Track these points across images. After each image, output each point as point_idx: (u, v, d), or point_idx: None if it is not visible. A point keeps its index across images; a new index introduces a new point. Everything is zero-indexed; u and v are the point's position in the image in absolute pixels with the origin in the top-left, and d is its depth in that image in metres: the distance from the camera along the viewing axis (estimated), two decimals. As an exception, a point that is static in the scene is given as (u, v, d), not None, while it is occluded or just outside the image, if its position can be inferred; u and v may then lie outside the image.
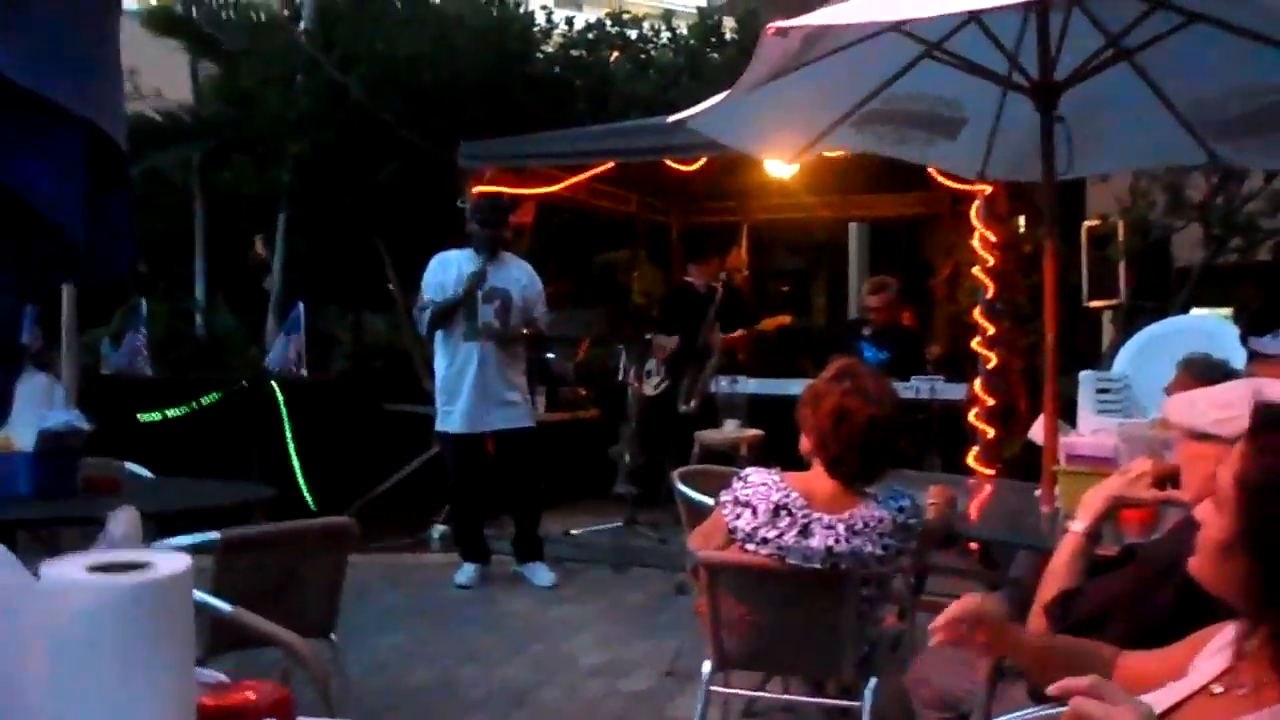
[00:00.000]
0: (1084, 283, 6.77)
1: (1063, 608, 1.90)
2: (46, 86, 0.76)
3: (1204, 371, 3.21)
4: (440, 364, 5.47)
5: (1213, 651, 1.35)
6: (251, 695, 0.91)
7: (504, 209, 5.65)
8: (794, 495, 2.55)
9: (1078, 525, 1.98)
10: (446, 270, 5.39)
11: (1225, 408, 1.88)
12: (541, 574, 5.51)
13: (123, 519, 1.13)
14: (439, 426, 5.51)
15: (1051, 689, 1.16)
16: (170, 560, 0.82)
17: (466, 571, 5.45)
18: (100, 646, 0.76)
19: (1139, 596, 1.75)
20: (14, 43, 0.74)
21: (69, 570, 0.79)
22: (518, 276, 5.45)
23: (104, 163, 0.84)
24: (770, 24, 2.86)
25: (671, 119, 3.71)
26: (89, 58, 0.80)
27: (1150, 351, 4.49)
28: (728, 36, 9.74)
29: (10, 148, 0.77)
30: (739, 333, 6.96)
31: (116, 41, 0.85)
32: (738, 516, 2.59)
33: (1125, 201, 6.57)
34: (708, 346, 6.69)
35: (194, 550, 2.44)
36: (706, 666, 2.79)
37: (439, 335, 5.42)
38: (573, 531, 6.19)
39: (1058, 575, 1.96)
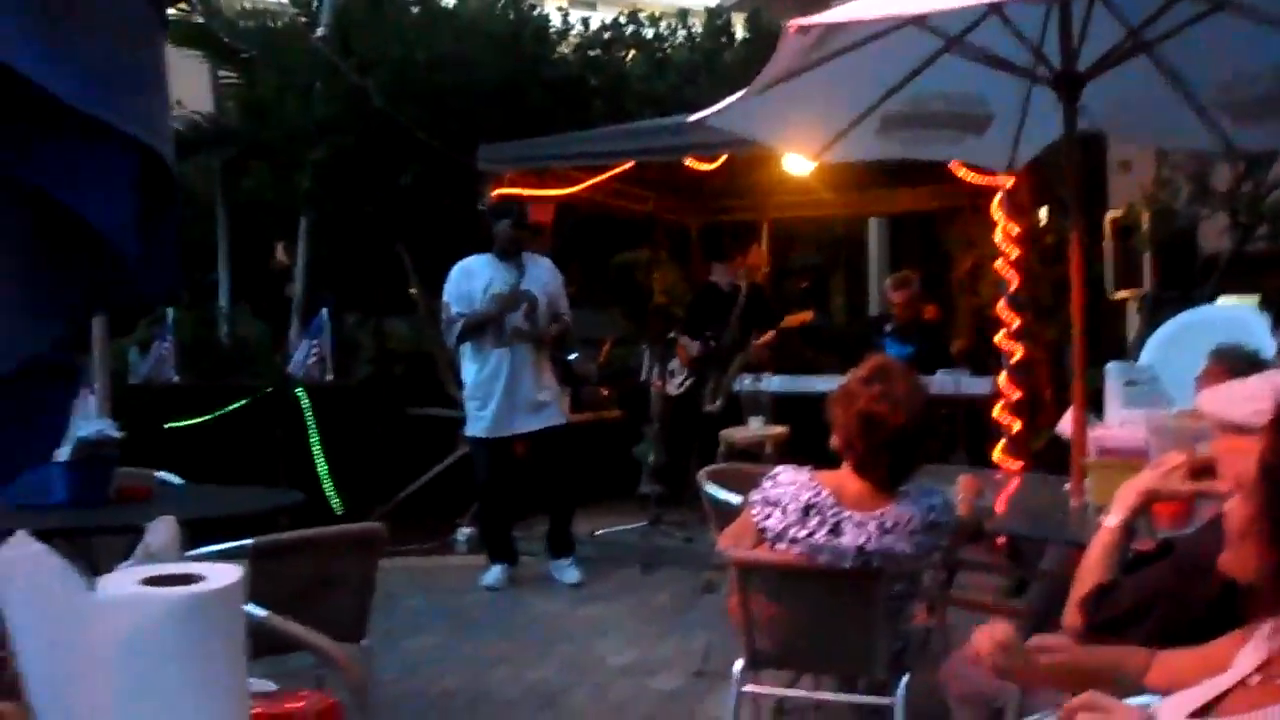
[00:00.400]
0: (1108, 274, 6.72)
1: (1098, 603, 1.89)
2: (102, 109, 0.77)
3: (1235, 361, 3.18)
4: (470, 369, 5.48)
5: (1254, 646, 1.34)
6: (301, 704, 0.92)
7: (522, 207, 5.67)
8: (824, 494, 2.55)
9: (1111, 519, 1.97)
10: (472, 280, 5.40)
11: (1259, 399, 1.86)
12: (570, 572, 5.55)
13: (161, 530, 1.15)
14: (468, 430, 5.54)
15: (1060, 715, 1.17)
16: (222, 572, 0.83)
17: (494, 573, 5.47)
18: (158, 659, 0.77)
19: (1178, 591, 1.74)
20: (68, 62, 0.75)
21: (123, 584, 0.80)
22: (540, 276, 5.47)
23: (153, 183, 0.86)
24: (792, 21, 2.86)
25: (693, 118, 3.71)
26: (139, 78, 0.81)
27: (1178, 342, 4.46)
28: (738, 35, 9.73)
29: (68, 168, 0.78)
30: (769, 334, 6.95)
31: (163, 60, 0.86)
32: (767, 516, 2.58)
33: (1149, 192, 6.52)
34: (734, 345, 6.68)
35: (226, 557, 2.46)
36: (738, 665, 2.78)
37: (469, 343, 5.44)
38: (598, 532, 6.20)
39: (1092, 570, 1.95)
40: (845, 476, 2.59)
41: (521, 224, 5.48)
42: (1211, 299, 6.29)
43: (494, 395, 5.37)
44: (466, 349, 5.46)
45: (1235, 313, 5.08)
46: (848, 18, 2.93)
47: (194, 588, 0.80)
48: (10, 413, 0.90)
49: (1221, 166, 6.26)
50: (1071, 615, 1.95)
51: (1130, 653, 1.59)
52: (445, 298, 5.45)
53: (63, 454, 3.20)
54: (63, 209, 0.77)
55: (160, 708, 0.77)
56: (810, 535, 2.53)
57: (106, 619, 0.77)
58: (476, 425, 5.46)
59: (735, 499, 3.22)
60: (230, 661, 0.81)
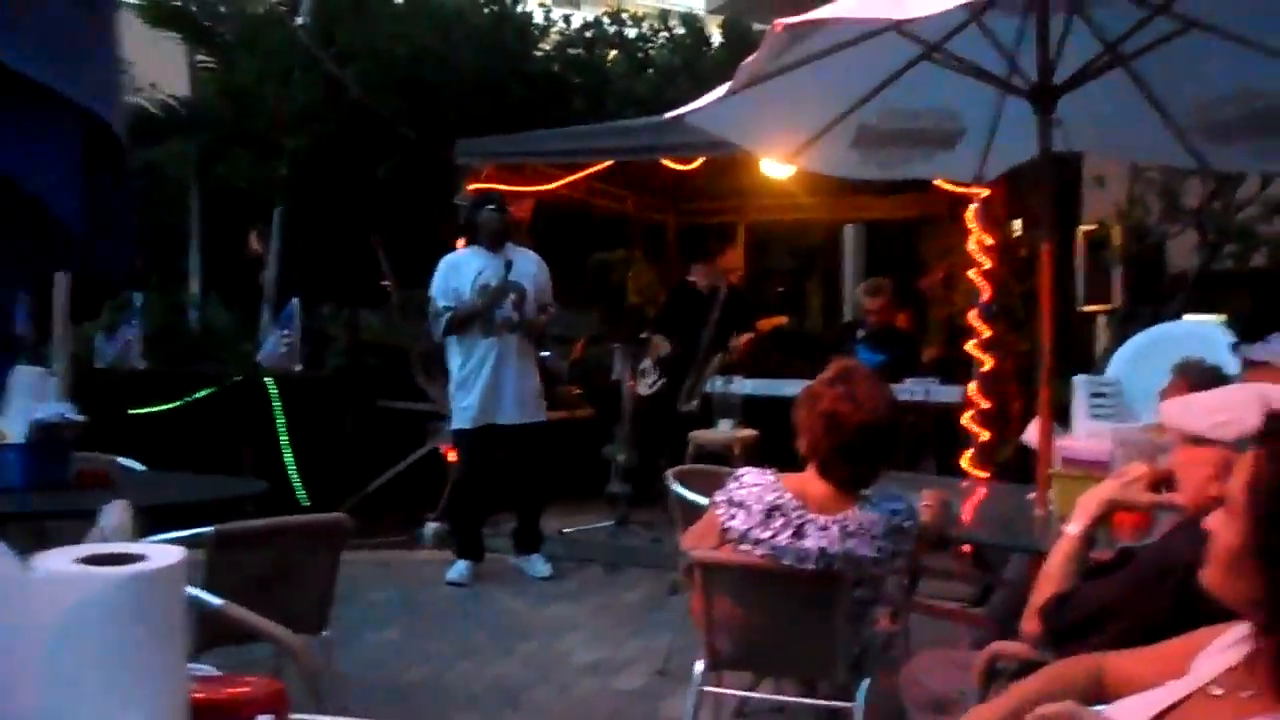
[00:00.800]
0: (1079, 287, 6.78)
1: (1057, 610, 1.90)
2: (41, 71, 0.75)
3: (1198, 376, 3.21)
4: (455, 361, 5.46)
5: (1214, 652, 1.35)
6: (245, 688, 0.91)
7: (502, 196, 5.70)
8: (788, 496, 2.55)
9: (1073, 528, 1.98)
10: (459, 273, 5.39)
11: (1222, 411, 1.88)
12: (539, 565, 5.56)
13: (114, 512, 1.13)
14: (455, 423, 5.49)
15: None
16: (163, 553, 0.81)
17: (459, 568, 5.45)
18: (93, 638, 0.76)
19: (1135, 600, 1.75)
20: (8, 28, 0.73)
21: (61, 562, 0.79)
22: (528, 267, 5.47)
23: (104, 154, 0.84)
24: (778, 20, 2.87)
25: (670, 114, 3.71)
26: (85, 44, 0.79)
27: (1145, 356, 4.50)
28: (714, 40, 9.75)
29: (6, 136, 0.76)
30: (746, 337, 6.96)
31: (115, 28, 0.84)
32: (732, 517, 2.58)
33: (1122, 207, 6.58)
34: (711, 346, 6.68)
35: (186, 544, 2.43)
36: (699, 666, 2.78)
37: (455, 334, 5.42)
38: (566, 530, 6.18)
39: (1052, 578, 1.96)
40: (810, 479, 2.59)
41: (503, 211, 5.48)
42: (1178, 315, 6.36)
43: (479, 386, 5.35)
44: (453, 340, 5.44)
45: (1200, 329, 5.13)
46: (834, 15, 2.94)
47: (131, 567, 0.78)
48: None
49: (1192, 184, 6.33)
50: (1030, 622, 1.96)
51: (1084, 674, 1.57)
52: (431, 292, 5.42)
53: (18, 435, 3.15)
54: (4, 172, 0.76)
55: (94, 686, 0.76)
56: (774, 537, 2.53)
57: (40, 596, 0.75)
58: (462, 417, 5.43)
59: (703, 500, 3.22)
60: (168, 643, 0.80)
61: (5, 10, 0.73)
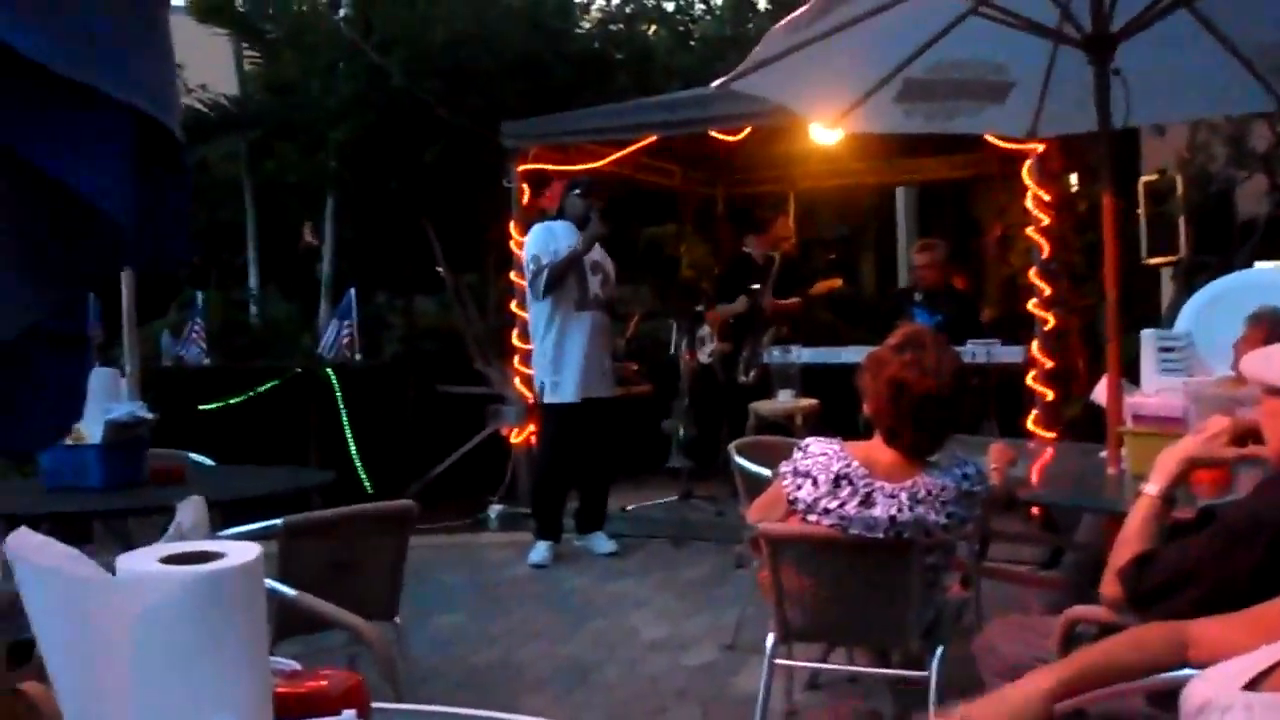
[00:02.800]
0: (1142, 239, 6.61)
1: (1137, 573, 1.85)
2: (88, 72, 0.75)
3: (1275, 324, 3.11)
4: (548, 335, 5.46)
5: None
6: (324, 682, 0.91)
7: (588, 180, 5.77)
8: (855, 465, 2.52)
9: (1152, 488, 1.92)
10: (556, 239, 5.44)
11: None
12: (603, 542, 5.60)
13: (191, 509, 1.14)
14: (548, 398, 5.47)
15: None
16: (241, 549, 0.82)
17: (540, 550, 5.44)
18: (177, 636, 0.76)
19: (1218, 560, 1.70)
20: (52, 28, 0.73)
21: (144, 563, 0.80)
22: (602, 251, 5.56)
23: (157, 150, 0.84)
24: None
25: (716, 84, 3.67)
26: (133, 41, 0.79)
27: (1215, 308, 4.37)
28: (761, 7, 9.63)
29: (56, 136, 0.77)
30: (794, 300, 6.92)
31: (166, 24, 0.84)
32: (798, 487, 2.56)
33: (1184, 155, 6.39)
34: (768, 318, 6.64)
35: (257, 537, 2.47)
36: (770, 639, 2.77)
37: (547, 306, 5.44)
38: (629, 507, 6.20)
39: (1131, 540, 1.91)
40: (876, 447, 2.56)
41: (591, 193, 5.55)
42: (1249, 264, 6.17)
43: (575, 361, 5.39)
44: (543, 314, 5.46)
45: (1273, 277, 4.97)
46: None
47: (211, 565, 0.79)
48: (16, 380, 0.89)
49: (1260, 128, 6.12)
50: (1110, 585, 1.91)
51: (1161, 640, 1.52)
52: (533, 250, 5.45)
53: (95, 436, 3.22)
54: (52, 179, 0.76)
55: (180, 685, 0.77)
56: (841, 506, 2.50)
57: (124, 597, 0.76)
58: (559, 392, 5.42)
59: (765, 472, 3.20)
60: (250, 638, 0.80)
61: (45, 13, 0.73)
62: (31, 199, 0.78)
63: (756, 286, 6.73)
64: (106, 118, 0.77)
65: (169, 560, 0.79)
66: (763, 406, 6.09)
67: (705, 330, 6.86)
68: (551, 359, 5.44)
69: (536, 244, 5.47)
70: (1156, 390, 3.33)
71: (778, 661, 2.82)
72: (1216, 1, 3.27)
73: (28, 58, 0.71)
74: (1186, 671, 1.37)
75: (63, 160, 0.76)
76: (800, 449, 2.61)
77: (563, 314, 5.42)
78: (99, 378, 3.34)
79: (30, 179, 0.76)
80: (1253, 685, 1.14)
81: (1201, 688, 1.17)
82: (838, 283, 7.68)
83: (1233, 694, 1.12)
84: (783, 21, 3.11)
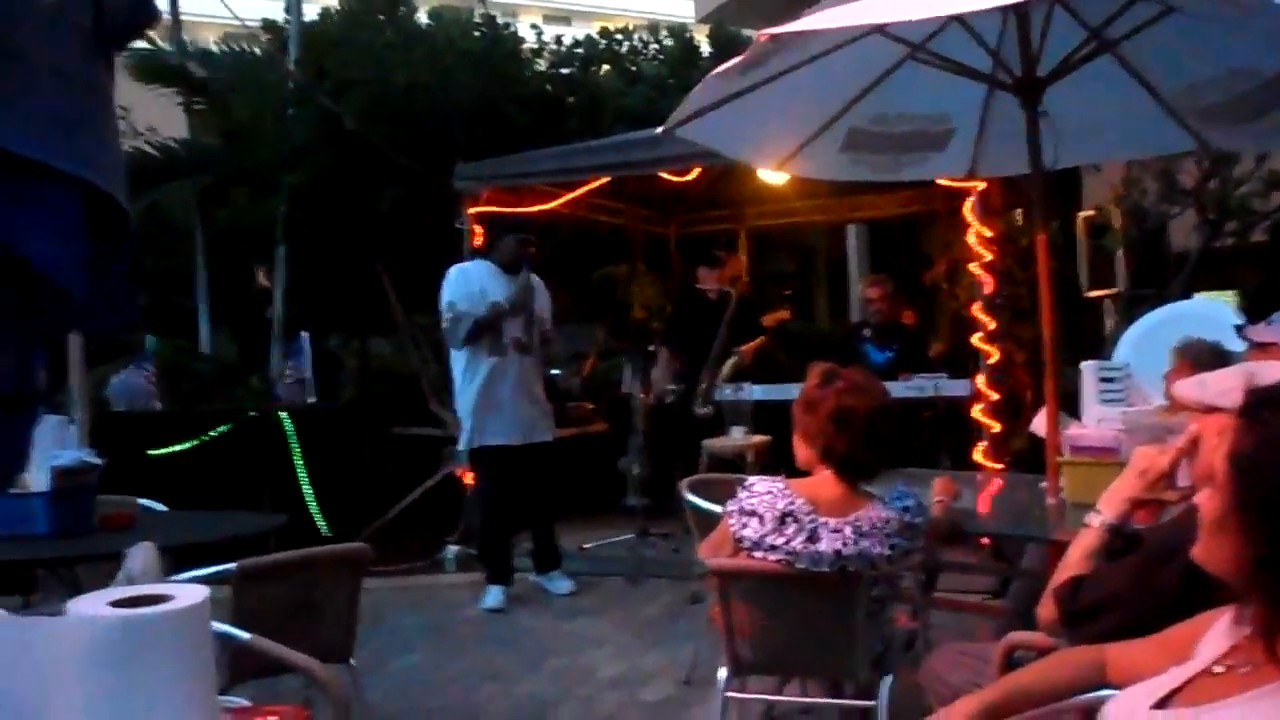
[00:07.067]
0: (1083, 273, 6.79)
1: (1070, 594, 1.92)
2: (44, 153, 0.79)
3: (1198, 355, 3.23)
4: (465, 381, 5.43)
5: (1218, 633, 1.37)
6: (274, 718, 0.94)
7: (533, 226, 5.71)
8: (799, 502, 2.57)
9: (1095, 519, 1.99)
10: (470, 282, 5.38)
11: (1227, 381, 1.92)
12: (561, 582, 5.59)
13: (140, 555, 1.16)
14: (470, 444, 5.44)
15: None
16: (188, 592, 0.85)
17: (494, 595, 5.39)
18: (125, 677, 0.79)
19: (1142, 582, 1.77)
20: (9, 114, 0.77)
21: (93, 606, 0.82)
22: (535, 291, 5.50)
23: (104, 221, 0.88)
24: (763, 30, 2.91)
25: (660, 129, 3.75)
26: (84, 121, 0.83)
27: (1152, 339, 4.51)
28: (704, 50, 9.81)
29: (11, 211, 0.80)
30: (760, 340, 6.98)
31: (112, 103, 0.88)
32: (744, 526, 2.61)
33: (1118, 190, 6.60)
34: (723, 353, 6.69)
35: (211, 581, 2.47)
36: (722, 673, 2.81)
37: (464, 353, 5.39)
38: (586, 546, 6.21)
39: (1071, 568, 1.97)
40: (819, 483, 2.62)
41: (530, 242, 5.49)
42: (1184, 295, 6.37)
43: (497, 406, 5.34)
44: (463, 360, 5.42)
45: (1205, 308, 5.14)
46: (816, 26, 2.97)
47: (159, 607, 0.82)
48: None
49: (1188, 164, 6.35)
50: (1045, 607, 1.98)
51: (1081, 663, 1.59)
52: (449, 298, 5.35)
53: (41, 484, 3.19)
54: (8, 250, 0.80)
55: (129, 724, 0.79)
56: (787, 543, 2.55)
57: (72, 640, 0.79)
58: (485, 437, 5.38)
59: (717, 509, 3.23)
60: (196, 678, 0.83)
61: (1, 96, 0.77)
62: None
63: (683, 360, 6.77)
64: (59, 192, 0.81)
65: (119, 604, 0.82)
66: (715, 444, 6.14)
67: (658, 371, 6.90)
68: (473, 406, 5.38)
69: (451, 290, 5.37)
70: (1098, 419, 3.43)
71: (730, 695, 2.85)
72: (1138, 46, 3.41)
73: None
74: (1105, 692, 1.42)
75: (16, 232, 0.80)
76: (745, 488, 2.66)
77: (476, 361, 5.37)
78: (46, 425, 3.32)
79: None
80: (1162, 705, 1.20)
81: (1115, 708, 1.23)
82: (785, 314, 7.77)
83: (1143, 713, 1.18)
84: (717, 70, 3.19)
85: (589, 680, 4.24)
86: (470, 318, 5.30)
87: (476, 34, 8.62)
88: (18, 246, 0.80)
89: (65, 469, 3.24)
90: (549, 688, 4.16)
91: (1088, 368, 3.71)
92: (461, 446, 5.52)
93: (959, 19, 3.36)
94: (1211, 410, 1.91)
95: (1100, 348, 6.17)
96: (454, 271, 5.48)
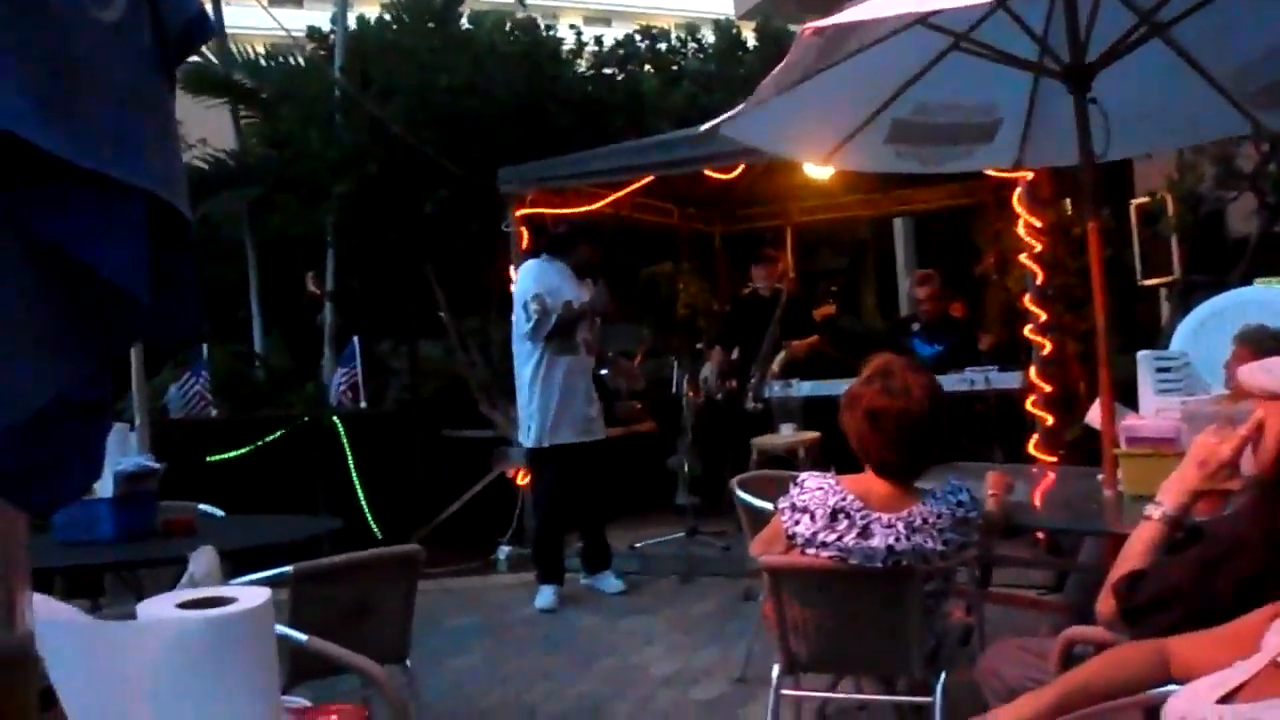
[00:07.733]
0: (1137, 261, 6.67)
1: (1130, 588, 1.89)
2: (111, 167, 0.81)
3: (1260, 342, 3.16)
4: (536, 379, 5.45)
5: None
6: (334, 717, 0.96)
7: (599, 233, 5.83)
8: (850, 498, 2.56)
9: (1155, 511, 1.96)
10: (548, 278, 5.44)
11: None
12: (612, 582, 5.62)
13: (203, 559, 1.19)
14: (539, 442, 5.47)
15: None
16: (251, 594, 0.87)
17: (547, 595, 5.43)
18: (192, 676, 0.81)
19: (1202, 577, 1.74)
20: (73, 126, 0.80)
21: (161, 609, 0.85)
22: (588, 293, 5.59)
23: (167, 228, 0.90)
24: (806, 25, 2.89)
25: (704, 128, 3.74)
26: (147, 135, 0.86)
27: (1210, 326, 4.42)
28: (750, 44, 9.78)
29: (79, 222, 0.83)
30: (812, 338, 6.97)
31: (173, 119, 0.91)
32: (796, 522, 2.60)
33: (1173, 177, 6.47)
34: (775, 349, 6.68)
35: (268, 584, 2.51)
36: (776, 670, 2.80)
37: (538, 352, 5.43)
38: (637, 545, 6.23)
39: (1131, 560, 1.94)
40: (870, 479, 2.60)
41: (602, 250, 5.65)
42: (1244, 282, 6.22)
43: (562, 405, 5.40)
44: (534, 359, 5.44)
45: (1264, 294, 5.02)
46: (860, 17, 2.95)
47: (224, 609, 0.84)
48: (45, 446, 0.95)
49: (1247, 148, 6.20)
50: (1105, 602, 1.94)
51: (1143, 659, 1.56)
52: (536, 290, 5.38)
53: (105, 490, 3.27)
54: (78, 259, 0.82)
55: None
56: (840, 539, 2.54)
57: (142, 640, 0.81)
58: (561, 434, 5.43)
59: (768, 505, 3.23)
60: (261, 677, 0.85)
61: (62, 109, 0.79)
62: (54, 280, 0.84)
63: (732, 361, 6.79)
64: (122, 202, 0.84)
65: (185, 605, 0.84)
66: (764, 441, 6.12)
67: (709, 367, 6.91)
68: (546, 404, 5.42)
69: (536, 282, 5.41)
70: (1155, 410, 3.36)
71: (785, 692, 2.85)
72: (1188, 29, 3.34)
73: (52, 154, 0.78)
74: (1169, 688, 1.40)
75: (83, 242, 0.83)
76: (796, 484, 2.65)
77: (550, 358, 5.42)
78: (111, 433, 3.39)
79: (53, 262, 0.82)
80: (1227, 699, 1.18)
81: (1179, 703, 1.21)
82: (832, 309, 7.73)
83: (1208, 708, 1.16)
84: (771, 75, 3.17)
85: (642, 679, 4.25)
86: (555, 315, 5.36)
87: (513, 37, 8.66)
88: (84, 254, 0.82)
89: (128, 474, 3.32)
90: (602, 687, 4.18)
91: (1143, 357, 3.63)
92: (529, 444, 5.53)
93: (1004, 7, 3.32)
94: (1278, 397, 1.87)
95: (1156, 337, 6.06)
96: (532, 267, 5.54)
